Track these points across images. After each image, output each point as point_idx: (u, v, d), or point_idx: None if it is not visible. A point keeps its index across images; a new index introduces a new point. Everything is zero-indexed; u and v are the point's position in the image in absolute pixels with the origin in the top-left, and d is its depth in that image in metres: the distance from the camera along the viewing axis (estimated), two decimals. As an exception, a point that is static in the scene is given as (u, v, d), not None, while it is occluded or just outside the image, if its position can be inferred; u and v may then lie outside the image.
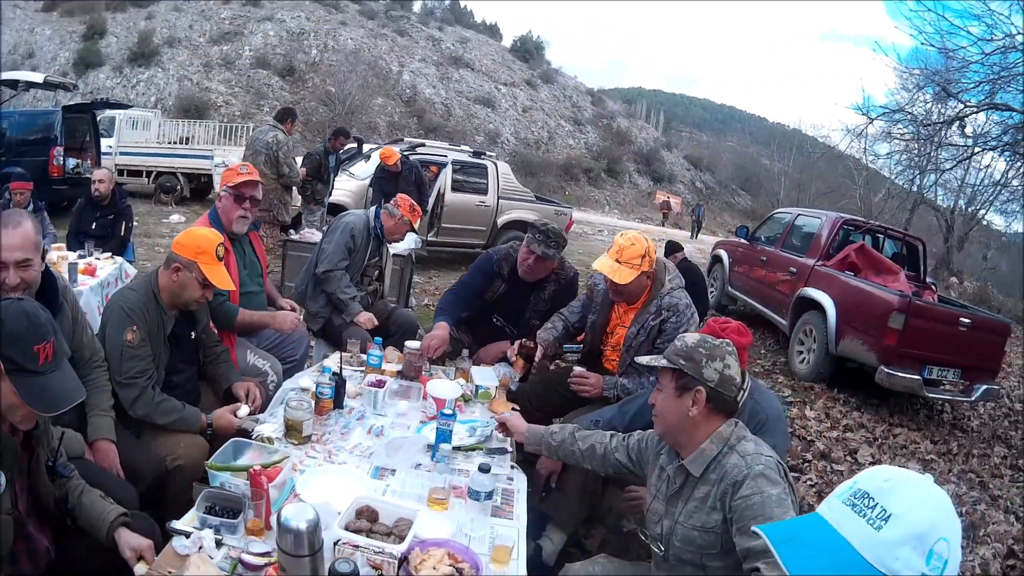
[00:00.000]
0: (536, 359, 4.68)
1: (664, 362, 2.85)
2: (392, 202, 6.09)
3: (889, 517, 1.63)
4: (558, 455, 3.53)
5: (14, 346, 2.26)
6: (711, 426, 2.78)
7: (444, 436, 3.54)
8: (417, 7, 76.57)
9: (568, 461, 3.53)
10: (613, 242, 4.44)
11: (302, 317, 5.79)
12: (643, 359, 3.06)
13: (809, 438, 7.69)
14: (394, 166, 11.61)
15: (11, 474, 2.42)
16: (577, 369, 4.68)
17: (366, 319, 5.73)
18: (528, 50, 71.35)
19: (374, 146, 16.48)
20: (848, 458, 7.32)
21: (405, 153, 12.71)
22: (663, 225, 46.22)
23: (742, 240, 13.70)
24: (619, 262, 4.35)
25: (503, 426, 3.78)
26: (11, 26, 55.47)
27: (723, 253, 14.47)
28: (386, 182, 11.72)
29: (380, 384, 4.23)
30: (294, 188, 11.29)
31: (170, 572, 2.49)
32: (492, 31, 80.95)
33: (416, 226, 6.18)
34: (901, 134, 17.12)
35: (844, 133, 18.57)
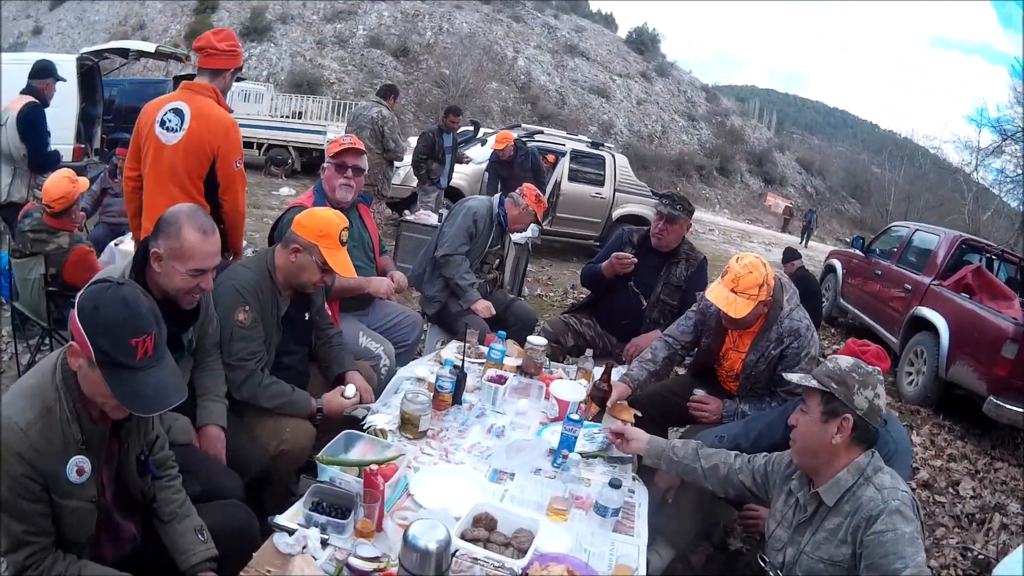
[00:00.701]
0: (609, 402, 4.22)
1: (814, 383, 2.71)
2: (518, 191, 5.97)
3: None
4: (678, 471, 3.38)
5: (108, 336, 2.12)
6: (850, 455, 2.68)
7: (568, 443, 3.40)
8: (532, -6, 76.73)
9: (688, 478, 3.38)
10: (728, 267, 4.03)
11: (418, 303, 5.90)
12: (792, 376, 2.90)
13: (914, 464, 7.25)
14: (504, 151, 11.49)
15: (97, 462, 2.30)
16: (698, 393, 4.44)
17: (484, 307, 5.65)
18: (643, 42, 71.14)
19: (490, 130, 16.55)
20: (950, 490, 6.99)
21: (522, 139, 12.62)
22: (784, 231, 45.46)
23: (857, 251, 13.31)
24: (735, 292, 3.94)
25: (619, 436, 3.53)
26: (121, -4, 57.05)
27: (837, 263, 14.10)
28: (501, 167, 11.68)
29: (501, 380, 4.11)
30: (407, 167, 11.26)
31: (269, 571, 2.37)
32: (607, 21, 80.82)
33: (540, 217, 6.04)
34: (1012, 151, 16.45)
35: (956, 145, 17.99)
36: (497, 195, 6.24)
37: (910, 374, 9.79)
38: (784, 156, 66.26)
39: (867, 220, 50.71)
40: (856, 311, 12.58)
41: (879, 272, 11.90)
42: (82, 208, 7.03)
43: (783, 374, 3.21)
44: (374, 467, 2.70)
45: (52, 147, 7.39)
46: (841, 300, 13.35)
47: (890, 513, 2.47)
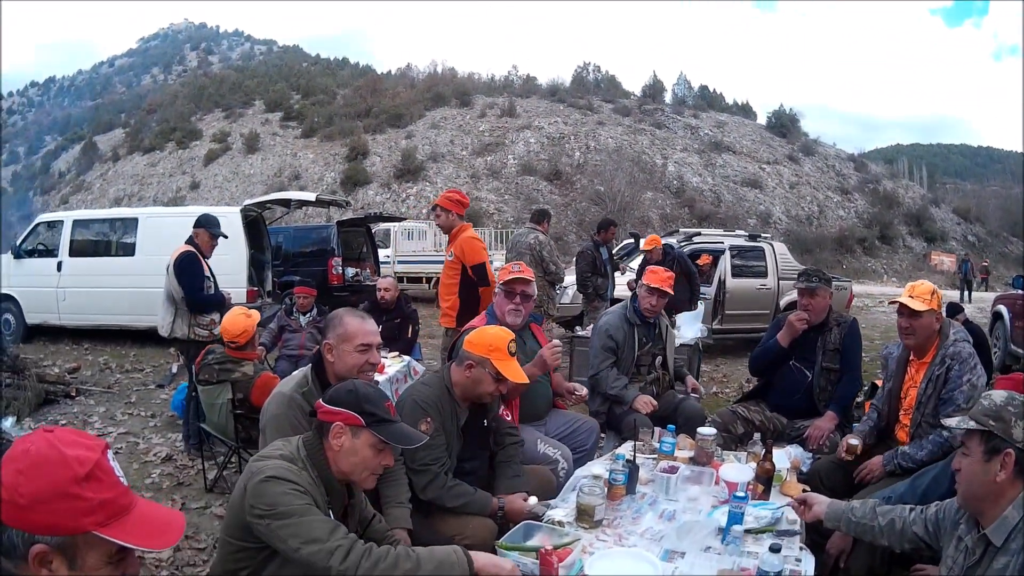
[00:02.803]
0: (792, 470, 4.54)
1: (972, 424, 2.71)
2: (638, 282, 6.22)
3: None
4: (857, 531, 3.44)
5: (372, 404, 2.84)
6: (1015, 490, 2.63)
7: (736, 518, 3.50)
8: (667, 98, 77.16)
9: (866, 537, 3.43)
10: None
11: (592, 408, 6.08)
12: (951, 421, 2.93)
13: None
14: (652, 253, 11.63)
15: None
16: (851, 443, 4.70)
17: (643, 402, 5.74)
18: (784, 124, 70.33)
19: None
20: None
21: (681, 244, 12.88)
22: (985, 289, 39.89)
23: (1021, 291, 12.72)
24: (912, 297, 4.61)
25: (803, 504, 3.68)
26: (273, 152, 60.71)
27: (1003, 309, 13.36)
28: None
29: (672, 470, 4.26)
30: (573, 286, 11.58)
31: None
32: (745, 111, 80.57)
33: (658, 285, 5.97)
34: None
35: None
36: (631, 294, 6.44)
37: None
38: (940, 210, 63.59)
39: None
40: None
41: None
42: (262, 344, 7.73)
43: (943, 420, 3.25)
44: (548, 548, 2.96)
45: (222, 290, 8.03)
46: (1012, 346, 12.59)
47: None
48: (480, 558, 2.82)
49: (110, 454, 1.74)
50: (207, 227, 7.88)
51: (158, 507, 1.88)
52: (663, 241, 12.24)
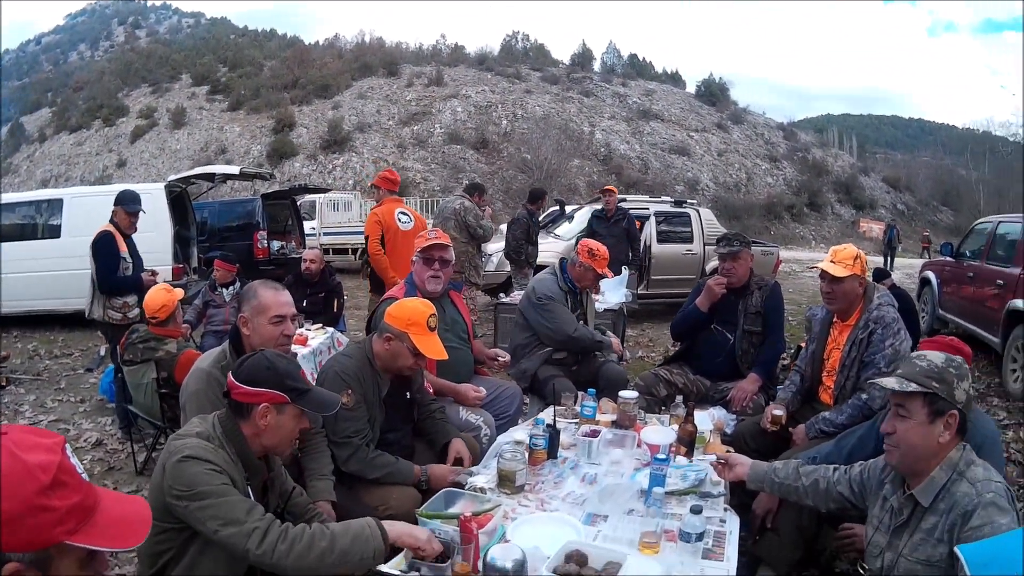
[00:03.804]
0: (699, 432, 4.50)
1: (915, 386, 2.66)
2: (574, 250, 6.21)
3: None
4: (781, 492, 3.46)
5: (292, 377, 2.84)
6: (946, 451, 2.67)
7: (658, 480, 3.50)
8: (596, 66, 77.30)
9: (790, 498, 3.44)
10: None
11: (512, 373, 6.09)
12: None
13: (1024, 462, 7.20)
14: (609, 204, 12.07)
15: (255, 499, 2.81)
16: (776, 413, 4.75)
17: (617, 343, 6.31)
18: (713, 93, 71.18)
19: (576, 207, 16.96)
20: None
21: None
22: (927, 257, 39.13)
23: (948, 258, 12.90)
24: (833, 262, 4.63)
25: (724, 465, 3.69)
26: (200, 126, 59.98)
27: (931, 275, 13.66)
28: (599, 223, 12.21)
29: (594, 434, 4.27)
30: (499, 254, 11.58)
31: None
32: (675, 79, 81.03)
33: (602, 271, 6.09)
34: None
35: None
36: (558, 261, 6.44)
37: (1015, 371, 9.43)
38: (870, 179, 65.03)
39: (962, 226, 49.28)
40: (956, 319, 12.15)
41: (971, 274, 11.48)
42: (187, 321, 7.58)
43: (877, 380, 3.02)
44: (468, 514, 2.91)
45: (149, 268, 7.77)
46: (940, 311, 12.94)
47: (985, 506, 2.45)
48: (395, 528, 2.80)
49: (68, 449, 1.66)
50: (123, 204, 7.65)
51: (120, 498, 1.78)
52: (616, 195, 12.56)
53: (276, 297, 3.70)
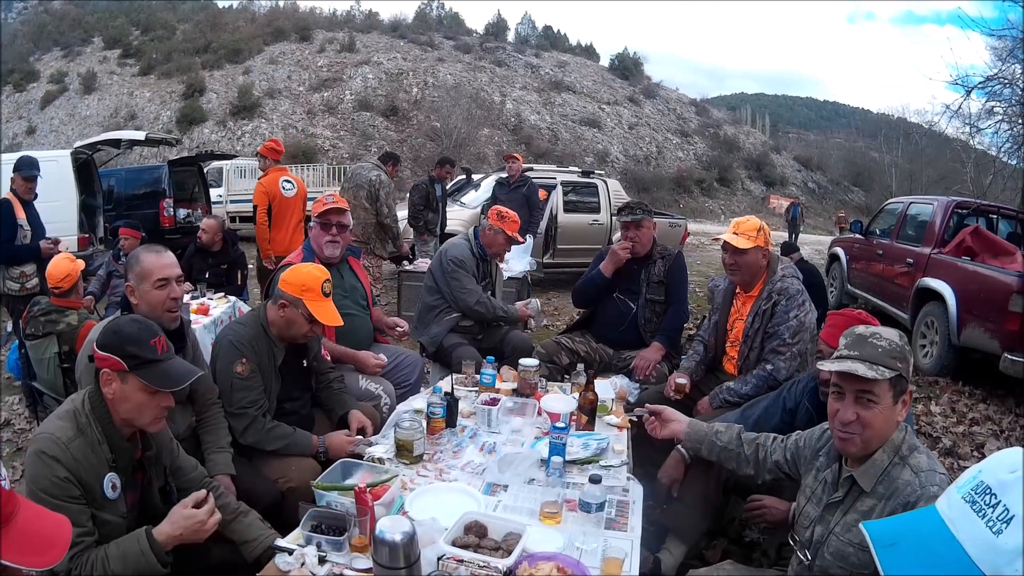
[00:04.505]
0: (599, 402, 4.44)
1: (888, 372, 2.48)
2: (484, 216, 6.17)
3: (1011, 520, 1.48)
4: (720, 456, 3.41)
5: (134, 344, 2.65)
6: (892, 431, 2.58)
7: (557, 449, 3.45)
8: (510, 37, 77.14)
9: (729, 464, 3.40)
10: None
11: (422, 339, 6.11)
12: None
13: (935, 434, 7.43)
14: (512, 169, 12.18)
15: (124, 479, 2.71)
16: (679, 381, 4.80)
17: (524, 307, 6.36)
18: (627, 67, 71.19)
19: (482, 175, 16.89)
20: (975, 453, 7.03)
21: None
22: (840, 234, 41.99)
23: (857, 235, 13.30)
24: (736, 234, 4.68)
25: (658, 418, 3.65)
26: (111, 91, 58.14)
27: (840, 251, 14.13)
28: (502, 190, 12.25)
29: (494, 402, 4.24)
30: (403, 220, 11.48)
31: None
32: (589, 52, 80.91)
33: (513, 234, 6.14)
34: (1004, 109, 16.25)
35: (945, 114, 17.57)
36: (470, 229, 6.43)
37: (924, 346, 9.77)
38: (781, 156, 65.93)
39: (872, 206, 50.37)
40: (865, 295, 12.56)
41: (881, 252, 11.90)
42: (90, 292, 7.37)
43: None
44: (363, 486, 2.85)
45: (53, 236, 7.64)
46: (849, 286, 13.37)
47: (927, 500, 2.34)
48: (163, 532, 2.62)
49: None
50: (19, 170, 7.57)
51: (42, 513, 1.71)
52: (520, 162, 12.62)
53: (158, 259, 3.59)
